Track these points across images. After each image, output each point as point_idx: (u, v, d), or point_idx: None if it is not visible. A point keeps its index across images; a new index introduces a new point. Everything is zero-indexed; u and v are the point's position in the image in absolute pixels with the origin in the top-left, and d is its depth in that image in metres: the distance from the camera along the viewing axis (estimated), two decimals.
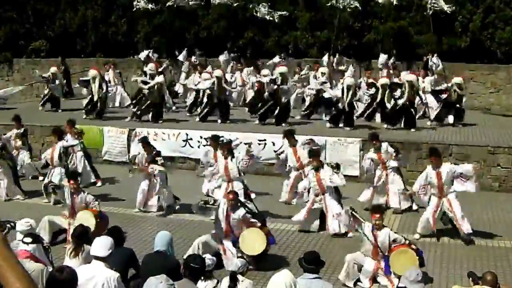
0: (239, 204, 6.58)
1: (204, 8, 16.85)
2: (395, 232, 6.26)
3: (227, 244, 6.45)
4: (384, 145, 8.49)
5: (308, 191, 7.80)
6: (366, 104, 12.12)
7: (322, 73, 12.24)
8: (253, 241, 6.30)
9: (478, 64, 14.40)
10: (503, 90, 13.71)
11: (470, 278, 4.72)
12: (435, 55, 12.82)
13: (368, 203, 8.24)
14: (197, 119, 12.32)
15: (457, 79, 11.68)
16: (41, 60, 17.98)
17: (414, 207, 8.47)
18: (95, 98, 12.53)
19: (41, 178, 10.24)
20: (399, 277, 5.60)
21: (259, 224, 6.57)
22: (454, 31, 14.41)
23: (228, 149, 7.99)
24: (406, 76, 11.34)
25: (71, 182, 7.17)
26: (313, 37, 15.10)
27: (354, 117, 11.66)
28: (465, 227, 7.24)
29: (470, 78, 12.69)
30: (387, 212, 7.83)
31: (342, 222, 7.50)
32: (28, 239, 4.52)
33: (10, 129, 10.61)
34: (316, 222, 7.75)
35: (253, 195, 9.07)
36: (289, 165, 8.96)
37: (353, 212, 6.36)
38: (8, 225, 5.35)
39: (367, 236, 6.07)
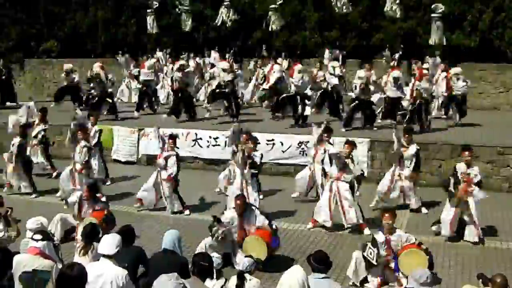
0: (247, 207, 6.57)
1: (212, 8, 16.96)
2: (406, 232, 6.23)
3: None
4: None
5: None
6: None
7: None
8: (254, 250, 6.25)
9: (487, 63, 14.28)
10: None
11: (480, 280, 4.66)
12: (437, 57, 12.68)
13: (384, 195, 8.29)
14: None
15: (456, 69, 11.49)
16: (52, 61, 18.22)
17: (424, 211, 8.41)
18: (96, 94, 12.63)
19: (54, 174, 10.41)
20: (407, 277, 5.61)
21: (266, 227, 6.55)
22: (463, 31, 14.31)
23: (255, 144, 8.10)
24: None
25: (86, 191, 7.20)
26: (321, 37, 15.12)
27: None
28: (474, 234, 7.19)
29: (479, 78, 12.58)
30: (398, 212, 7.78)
31: (350, 216, 7.51)
32: (38, 236, 4.59)
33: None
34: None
35: (261, 196, 9.15)
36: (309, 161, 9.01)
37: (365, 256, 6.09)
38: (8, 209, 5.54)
39: (381, 248, 6.00)
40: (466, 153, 7.30)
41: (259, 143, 10.42)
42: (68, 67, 14.13)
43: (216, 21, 14.62)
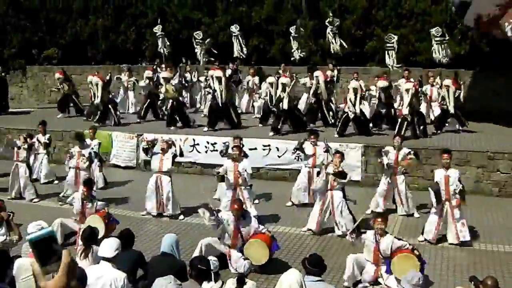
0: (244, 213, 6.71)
1: (210, 16, 17.20)
2: (399, 239, 6.34)
3: (232, 249, 6.61)
4: (406, 150, 8.57)
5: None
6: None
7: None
8: (257, 253, 6.46)
9: (478, 70, 14.48)
10: (502, 96, 13.76)
11: (472, 282, 4.77)
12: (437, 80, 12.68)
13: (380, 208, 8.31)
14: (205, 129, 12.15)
15: (447, 81, 11.64)
16: (53, 68, 18.43)
17: (416, 215, 8.58)
18: (96, 102, 12.77)
19: (56, 182, 10.64)
20: (398, 281, 5.77)
21: (265, 231, 6.72)
22: (454, 38, 14.52)
23: (240, 152, 8.23)
24: (404, 84, 11.45)
25: (84, 189, 7.42)
26: (316, 45, 15.37)
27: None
28: (462, 234, 7.36)
29: (471, 85, 12.77)
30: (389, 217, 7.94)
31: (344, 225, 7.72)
32: None
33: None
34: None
35: (256, 201, 9.34)
36: (305, 163, 9.23)
37: (357, 230, 6.42)
38: (10, 213, 5.61)
39: (369, 244, 6.21)
40: (445, 155, 7.55)
41: (255, 148, 10.72)
42: (60, 77, 14.33)
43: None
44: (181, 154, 8.93)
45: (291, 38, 13.89)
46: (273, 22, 16.36)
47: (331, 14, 13.47)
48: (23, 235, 5.65)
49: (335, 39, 13.24)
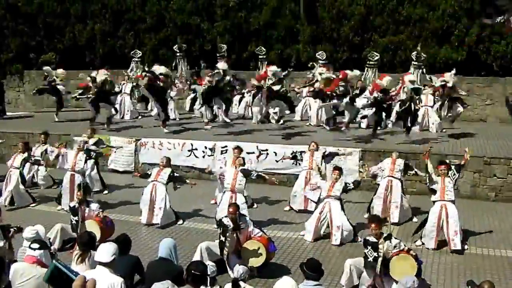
0: (240, 217, 6.68)
1: (209, 22, 17.29)
2: (395, 238, 6.35)
3: (230, 254, 6.59)
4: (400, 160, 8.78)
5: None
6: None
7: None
8: (254, 255, 6.46)
9: (475, 77, 14.61)
10: (498, 102, 13.89)
11: (469, 287, 4.78)
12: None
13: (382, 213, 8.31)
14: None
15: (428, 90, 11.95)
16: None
17: (415, 219, 8.59)
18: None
19: (54, 186, 10.65)
20: (395, 282, 5.79)
21: (261, 234, 6.73)
22: (451, 45, 14.66)
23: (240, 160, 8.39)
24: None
25: (78, 193, 7.41)
26: (314, 50, 15.50)
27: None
28: (453, 243, 7.40)
29: (467, 91, 12.90)
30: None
31: (340, 236, 7.72)
32: (35, 245, 4.69)
33: (22, 137, 11.68)
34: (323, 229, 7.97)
35: (254, 205, 9.37)
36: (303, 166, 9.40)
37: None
38: (12, 229, 5.56)
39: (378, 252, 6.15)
40: (442, 166, 7.72)
41: (252, 152, 10.75)
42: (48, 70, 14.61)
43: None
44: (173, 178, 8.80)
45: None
46: (271, 28, 16.48)
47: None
48: (20, 241, 5.63)
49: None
